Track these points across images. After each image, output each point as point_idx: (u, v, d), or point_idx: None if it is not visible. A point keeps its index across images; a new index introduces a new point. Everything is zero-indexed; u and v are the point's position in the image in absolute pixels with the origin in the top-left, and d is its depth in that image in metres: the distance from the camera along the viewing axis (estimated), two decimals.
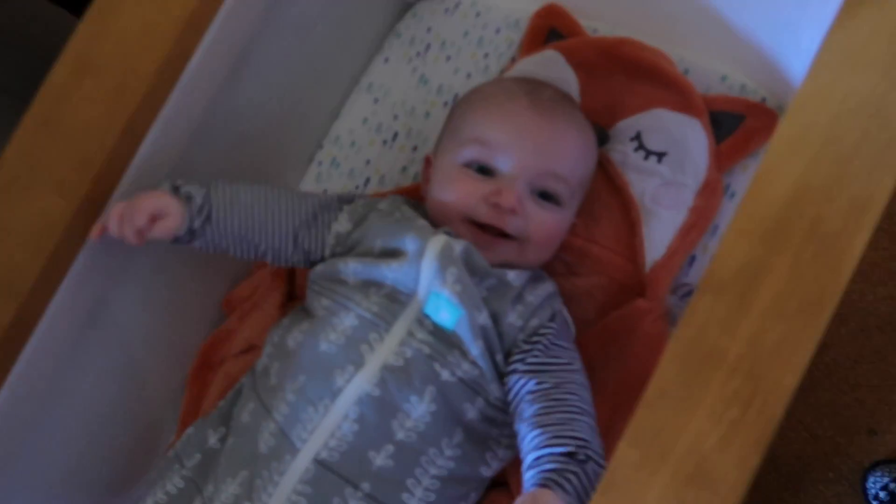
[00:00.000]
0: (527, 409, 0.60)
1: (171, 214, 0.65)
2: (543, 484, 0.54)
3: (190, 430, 0.72)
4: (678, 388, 0.42)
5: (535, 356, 0.63)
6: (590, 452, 0.57)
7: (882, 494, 0.91)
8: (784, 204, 0.44)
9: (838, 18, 0.48)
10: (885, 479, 0.91)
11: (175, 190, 0.67)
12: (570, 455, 0.56)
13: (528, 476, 0.56)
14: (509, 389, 0.63)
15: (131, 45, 0.65)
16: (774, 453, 0.95)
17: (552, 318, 0.66)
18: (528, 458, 0.57)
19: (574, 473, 0.55)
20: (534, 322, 0.64)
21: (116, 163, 0.65)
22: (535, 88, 0.71)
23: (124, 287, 0.71)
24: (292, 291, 0.83)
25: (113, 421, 0.77)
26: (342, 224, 0.70)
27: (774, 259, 0.43)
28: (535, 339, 0.64)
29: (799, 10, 0.62)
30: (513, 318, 0.64)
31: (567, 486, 0.54)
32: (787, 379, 0.39)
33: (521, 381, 0.62)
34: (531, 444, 0.58)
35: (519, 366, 0.63)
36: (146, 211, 0.63)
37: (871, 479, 0.92)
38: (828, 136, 0.44)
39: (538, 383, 0.61)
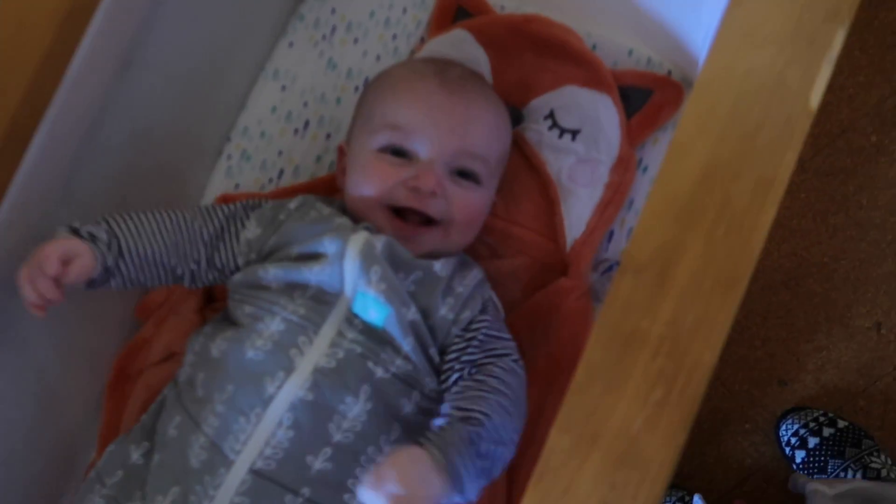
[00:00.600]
0: (450, 393, 0.61)
1: (81, 254, 0.60)
2: (418, 443, 0.54)
3: (111, 447, 0.69)
4: (605, 372, 0.43)
5: (471, 353, 0.63)
6: (480, 418, 0.57)
7: (793, 440, 0.97)
8: (694, 183, 0.45)
9: None
10: (796, 426, 0.97)
11: (75, 232, 0.62)
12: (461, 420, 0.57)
13: None
14: (448, 384, 0.63)
15: (4, 43, 0.60)
16: None
17: (484, 309, 0.66)
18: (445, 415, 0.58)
19: (451, 431, 0.55)
20: (465, 314, 0.64)
21: (1, 170, 0.60)
22: (443, 68, 0.70)
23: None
24: (210, 293, 0.80)
25: (25, 444, 0.72)
26: (251, 230, 0.68)
27: (688, 238, 0.44)
28: (470, 333, 0.64)
29: None
30: (444, 312, 0.64)
31: (437, 440, 0.54)
32: (706, 356, 0.41)
33: (457, 376, 0.62)
34: (456, 400, 0.59)
35: (455, 364, 0.63)
36: (54, 256, 0.58)
37: (783, 426, 0.98)
38: (732, 115, 0.45)
39: (469, 373, 0.61)
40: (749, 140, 0.44)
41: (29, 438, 0.72)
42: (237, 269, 0.68)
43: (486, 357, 0.63)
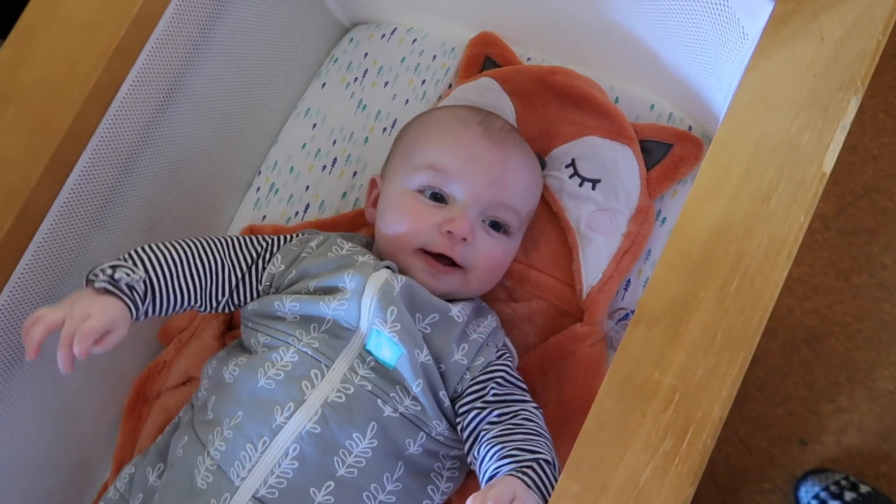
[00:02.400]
0: (487, 433, 0.60)
1: (119, 327, 0.59)
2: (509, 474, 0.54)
3: (129, 468, 0.70)
4: (615, 420, 0.44)
5: (494, 393, 0.63)
6: (549, 458, 0.57)
7: (814, 503, 0.94)
8: (709, 239, 0.46)
9: (753, 59, 0.50)
10: (816, 489, 0.95)
11: (113, 284, 0.61)
12: (530, 463, 0.57)
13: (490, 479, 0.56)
14: (466, 424, 0.63)
15: (56, 73, 0.63)
16: (712, 465, 0.98)
17: (500, 356, 0.67)
18: (489, 470, 0.58)
19: (533, 470, 0.55)
20: (479, 361, 0.65)
21: (42, 196, 0.63)
22: (487, 119, 0.72)
23: None
24: (231, 321, 0.82)
25: (42, 460, 0.74)
26: (275, 265, 0.69)
27: (701, 293, 0.45)
28: (487, 376, 0.64)
29: (719, 46, 0.64)
30: (458, 357, 0.64)
31: (527, 479, 0.54)
32: (715, 410, 0.41)
33: (481, 415, 0.62)
34: (492, 458, 0.58)
35: (477, 402, 0.63)
36: (99, 330, 0.57)
37: (803, 488, 0.96)
38: (747, 174, 0.46)
39: (499, 414, 0.61)
40: (763, 200, 0.45)
41: (46, 453, 0.74)
42: (254, 299, 0.69)
43: (510, 400, 0.63)
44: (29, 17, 0.64)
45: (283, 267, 0.69)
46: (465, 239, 0.66)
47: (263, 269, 0.69)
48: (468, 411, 0.63)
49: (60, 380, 0.72)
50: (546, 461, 0.57)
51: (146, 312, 0.64)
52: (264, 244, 0.71)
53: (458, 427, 0.64)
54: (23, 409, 0.69)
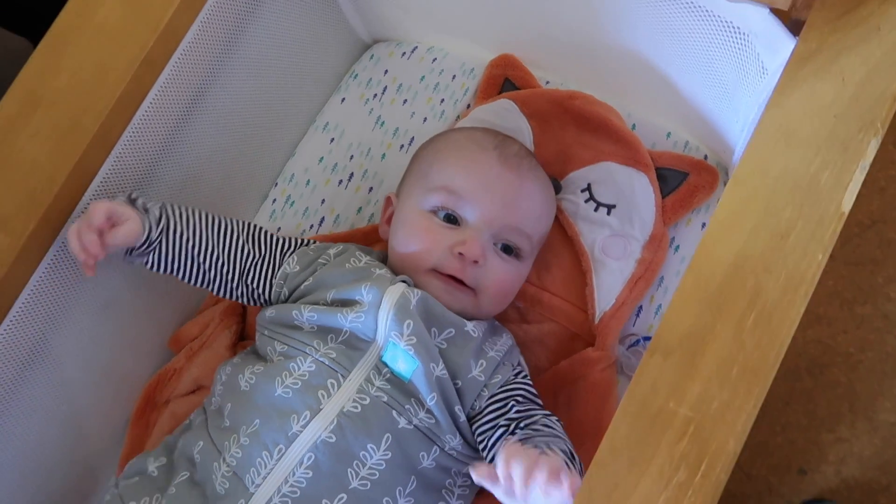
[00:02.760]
0: (512, 434, 0.62)
1: (130, 219, 0.64)
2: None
3: (132, 461, 0.70)
4: (629, 449, 0.44)
5: (517, 411, 0.64)
6: (569, 451, 0.58)
7: None
8: (727, 272, 0.46)
9: (774, 96, 0.51)
10: None
11: (132, 202, 0.67)
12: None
13: None
14: (490, 443, 0.63)
15: (85, 81, 0.64)
16: None
17: (518, 374, 0.67)
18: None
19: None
20: (497, 378, 0.66)
21: (64, 200, 0.64)
22: (503, 142, 0.72)
23: (67, 325, 0.70)
24: (243, 331, 0.83)
25: (48, 464, 0.74)
26: (290, 265, 0.71)
27: (718, 325, 0.45)
28: (507, 393, 0.65)
29: (738, 79, 0.65)
30: (475, 373, 0.65)
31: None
32: (730, 444, 0.42)
33: (505, 433, 0.62)
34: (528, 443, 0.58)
35: (501, 420, 0.63)
36: (102, 212, 0.62)
37: None
38: (766, 210, 0.47)
39: (518, 427, 0.62)
40: (781, 237, 0.46)
41: (52, 457, 0.74)
42: (268, 295, 0.71)
43: (532, 413, 0.64)
44: (61, 25, 0.65)
45: (297, 268, 0.70)
46: (476, 261, 0.67)
47: (280, 263, 0.71)
48: (492, 429, 0.63)
49: (69, 383, 0.73)
50: (565, 451, 0.57)
51: (160, 247, 0.67)
52: (282, 240, 0.73)
53: (481, 445, 0.64)
54: (31, 412, 0.70)
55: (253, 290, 0.71)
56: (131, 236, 0.64)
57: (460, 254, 0.66)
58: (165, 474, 0.66)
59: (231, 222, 0.71)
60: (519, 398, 0.65)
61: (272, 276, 0.71)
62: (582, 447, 0.64)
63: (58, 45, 0.65)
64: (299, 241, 0.74)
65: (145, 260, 0.68)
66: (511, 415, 0.63)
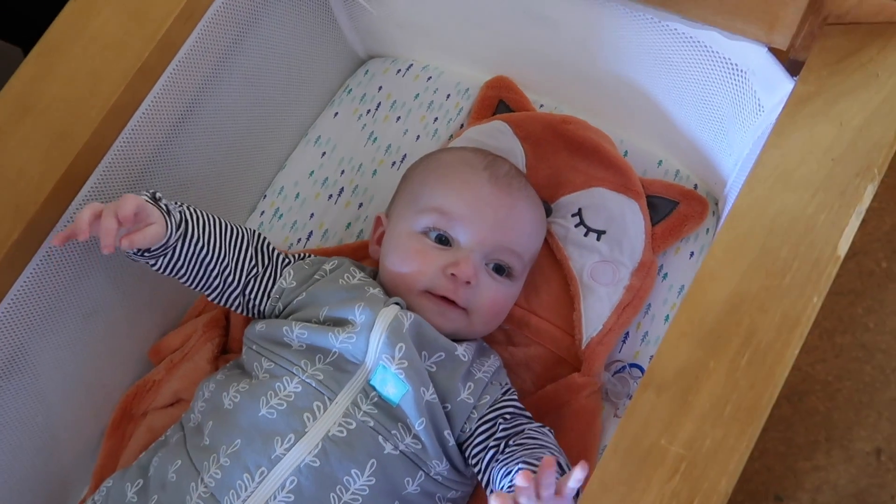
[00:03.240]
0: (501, 453, 0.62)
1: (156, 222, 0.62)
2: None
3: (108, 482, 0.69)
4: (620, 485, 0.44)
5: (503, 428, 0.64)
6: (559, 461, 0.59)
7: None
8: (722, 310, 0.47)
9: (772, 137, 0.52)
10: None
11: (156, 201, 0.64)
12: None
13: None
14: (483, 467, 0.63)
15: (78, 89, 0.63)
16: None
17: (505, 392, 0.68)
18: (511, 471, 0.58)
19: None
20: (485, 399, 0.66)
21: (51, 209, 0.63)
22: (493, 162, 0.73)
23: (47, 335, 0.68)
24: (226, 345, 0.81)
25: (21, 476, 0.72)
26: (287, 280, 0.70)
27: (712, 363, 0.46)
28: (495, 413, 0.65)
29: (733, 115, 0.66)
30: (464, 396, 0.65)
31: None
32: (722, 484, 0.42)
33: (493, 454, 0.63)
34: (511, 463, 0.60)
35: (490, 441, 0.64)
36: (133, 205, 0.60)
37: None
38: (762, 249, 0.47)
39: (507, 445, 0.63)
40: (777, 277, 0.46)
41: (25, 469, 0.72)
42: (263, 308, 0.70)
43: (519, 426, 0.64)
44: (56, 33, 0.64)
45: (294, 283, 0.70)
46: (468, 282, 0.66)
47: (277, 277, 0.70)
48: (483, 451, 0.64)
49: (46, 394, 0.71)
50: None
51: (175, 252, 0.65)
52: (280, 255, 0.72)
53: (476, 469, 0.64)
54: (5, 424, 0.68)
55: (250, 300, 0.70)
56: (155, 239, 0.62)
57: (453, 275, 0.66)
58: (143, 500, 0.65)
59: (243, 231, 0.70)
60: (507, 415, 0.65)
61: (271, 289, 0.70)
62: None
63: (51, 52, 0.64)
64: (297, 256, 0.73)
65: (154, 262, 0.66)
66: (499, 434, 0.64)
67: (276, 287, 0.70)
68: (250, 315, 0.73)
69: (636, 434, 0.45)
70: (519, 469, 0.57)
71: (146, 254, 0.65)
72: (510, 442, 0.63)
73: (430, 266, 0.67)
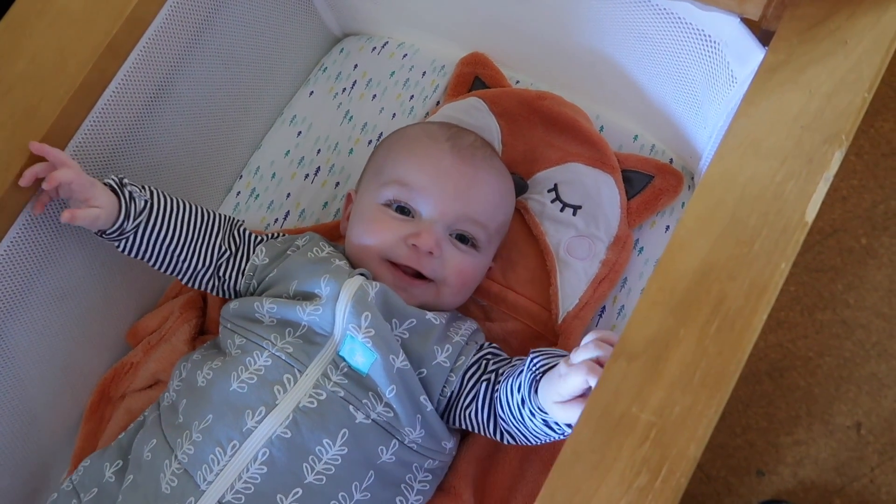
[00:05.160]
0: (497, 381, 0.63)
1: (102, 206, 0.63)
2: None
3: (86, 461, 0.69)
4: (592, 452, 0.44)
5: (494, 362, 0.65)
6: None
7: None
8: (692, 279, 0.47)
9: (742, 106, 0.51)
10: None
11: (118, 185, 0.66)
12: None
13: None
14: (480, 403, 0.64)
15: (44, 67, 0.62)
16: None
17: (482, 346, 0.68)
18: (521, 386, 0.60)
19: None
20: (462, 360, 0.66)
21: (20, 190, 0.62)
22: (456, 133, 0.73)
23: (21, 317, 0.68)
24: (203, 325, 0.81)
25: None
26: (259, 257, 0.71)
27: (682, 331, 0.46)
28: (478, 362, 0.66)
29: (707, 87, 0.66)
30: (441, 359, 0.65)
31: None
32: (691, 449, 0.42)
33: (490, 383, 0.64)
34: (512, 379, 0.61)
35: (482, 379, 0.65)
36: (64, 177, 0.61)
37: None
38: (732, 218, 0.47)
39: (501, 375, 0.64)
40: (746, 245, 0.46)
41: (3, 452, 0.72)
42: (239, 287, 0.71)
43: (506, 358, 0.66)
44: (21, 8, 0.63)
45: (266, 260, 0.71)
46: (431, 253, 0.66)
47: (250, 255, 0.71)
48: (474, 397, 0.64)
49: (21, 377, 0.71)
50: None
51: (136, 234, 0.67)
52: (253, 235, 0.73)
53: (475, 420, 0.64)
54: None
55: (224, 281, 0.71)
56: (97, 223, 0.64)
57: (414, 245, 0.66)
58: (121, 480, 0.65)
59: (214, 217, 0.71)
60: (489, 356, 0.66)
61: (244, 268, 0.71)
62: (543, 445, 0.64)
63: (16, 28, 0.63)
64: (270, 236, 0.74)
65: (117, 244, 0.67)
66: (489, 369, 0.65)
67: (249, 265, 0.70)
68: (226, 296, 0.73)
69: (607, 402, 0.45)
70: (537, 359, 0.59)
71: (104, 235, 0.66)
72: (501, 371, 0.64)
73: (390, 236, 0.67)
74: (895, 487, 1.02)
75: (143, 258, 0.69)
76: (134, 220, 0.65)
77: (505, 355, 0.67)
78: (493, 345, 0.69)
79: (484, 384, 0.64)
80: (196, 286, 0.71)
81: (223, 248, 0.70)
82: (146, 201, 0.66)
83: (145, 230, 0.66)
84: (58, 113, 0.61)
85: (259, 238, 0.73)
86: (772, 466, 1.05)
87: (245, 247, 0.72)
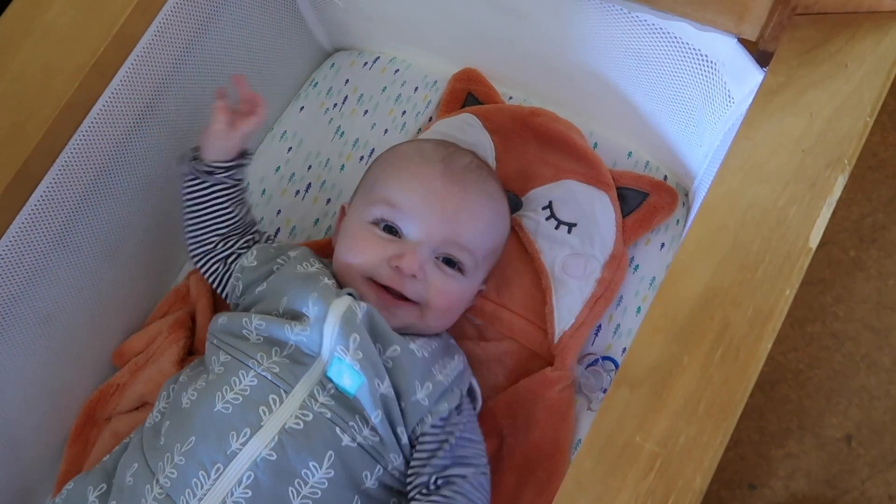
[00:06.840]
0: (427, 494, 0.61)
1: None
2: None
3: (70, 484, 0.67)
4: (595, 483, 0.43)
5: (442, 458, 0.63)
6: None
7: None
8: (695, 305, 0.46)
9: (743, 128, 0.51)
10: None
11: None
12: None
13: None
14: (414, 486, 0.62)
15: (30, 85, 0.61)
16: None
17: (459, 408, 0.66)
18: None
19: None
20: (442, 406, 0.64)
21: (4, 211, 0.60)
22: (451, 155, 0.71)
23: (3, 339, 0.66)
24: (192, 346, 0.79)
25: None
26: (248, 259, 0.70)
27: (686, 358, 0.45)
28: (443, 434, 0.64)
29: (703, 106, 0.66)
30: (420, 397, 0.63)
31: None
32: (697, 481, 0.41)
33: (424, 479, 0.62)
34: None
35: (426, 466, 0.62)
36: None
37: None
38: (735, 242, 0.47)
39: (435, 483, 0.62)
40: (749, 271, 0.45)
41: None
42: (226, 282, 0.72)
43: (456, 466, 0.63)
44: (5, 25, 0.61)
45: (255, 263, 0.70)
46: (414, 276, 0.65)
47: (241, 251, 0.72)
48: (417, 473, 0.63)
49: (5, 399, 0.69)
50: None
51: (242, 170, 0.73)
52: (249, 235, 0.75)
53: (409, 479, 0.63)
54: None
55: (228, 269, 0.72)
56: (257, 127, 0.71)
57: (398, 267, 0.65)
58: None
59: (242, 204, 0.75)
60: (454, 441, 0.63)
61: (232, 265, 0.71)
62: (540, 468, 0.64)
63: (1, 47, 0.61)
64: (262, 239, 0.74)
65: (195, 178, 0.72)
66: (436, 462, 0.62)
67: (237, 265, 0.70)
68: (221, 292, 0.73)
69: (611, 431, 0.45)
70: None
71: (208, 165, 0.71)
72: (439, 482, 0.62)
73: (374, 255, 0.66)
74: (885, 500, 1.02)
75: (199, 204, 0.72)
76: (237, 169, 0.71)
77: (466, 445, 0.64)
78: (467, 415, 0.66)
79: (423, 478, 0.62)
80: (203, 262, 0.73)
81: (250, 238, 0.73)
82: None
83: (237, 177, 0.72)
84: (43, 132, 0.60)
85: (251, 237, 0.74)
86: (763, 480, 1.04)
87: (238, 246, 0.72)
